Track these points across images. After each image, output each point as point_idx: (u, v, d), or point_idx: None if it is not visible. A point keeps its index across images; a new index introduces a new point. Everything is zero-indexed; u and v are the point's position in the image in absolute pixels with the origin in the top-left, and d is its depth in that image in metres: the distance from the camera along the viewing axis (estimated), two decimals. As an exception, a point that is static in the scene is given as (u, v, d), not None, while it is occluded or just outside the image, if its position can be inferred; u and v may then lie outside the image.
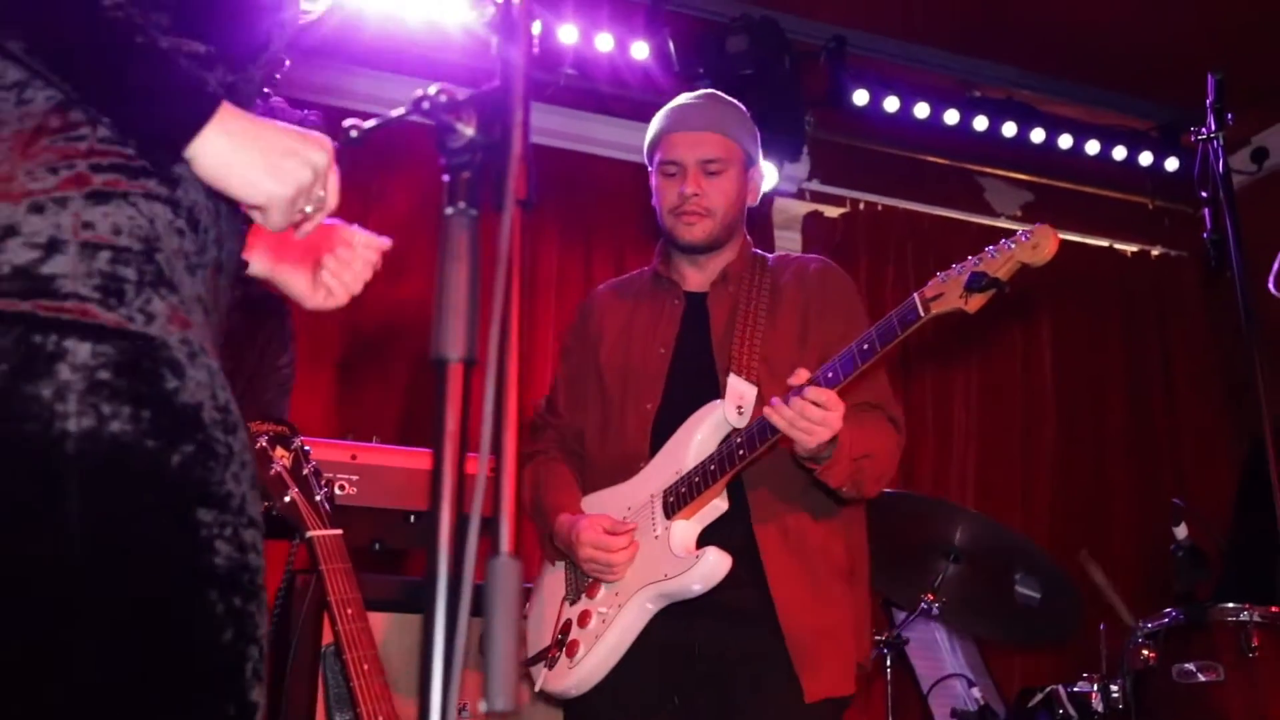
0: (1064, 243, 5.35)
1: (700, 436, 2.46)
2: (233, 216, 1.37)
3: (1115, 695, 2.99)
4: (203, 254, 1.28)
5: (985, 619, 3.76)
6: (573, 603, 2.52)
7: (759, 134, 2.77)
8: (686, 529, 2.42)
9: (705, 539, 2.42)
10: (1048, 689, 3.09)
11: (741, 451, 2.36)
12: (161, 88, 1.20)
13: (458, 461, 1.06)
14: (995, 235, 5.20)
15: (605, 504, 2.56)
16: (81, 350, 1.12)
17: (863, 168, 4.99)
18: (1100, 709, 2.98)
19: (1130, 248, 5.51)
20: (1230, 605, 2.94)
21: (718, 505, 2.44)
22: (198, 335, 1.23)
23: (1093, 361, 5.26)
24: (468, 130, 1.13)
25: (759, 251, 2.73)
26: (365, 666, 1.92)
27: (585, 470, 2.66)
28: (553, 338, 4.38)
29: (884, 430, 2.50)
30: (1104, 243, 5.45)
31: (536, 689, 2.52)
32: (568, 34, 4.11)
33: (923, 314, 2.19)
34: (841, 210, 5.04)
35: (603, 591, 2.48)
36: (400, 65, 4.21)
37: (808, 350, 2.51)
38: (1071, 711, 3.01)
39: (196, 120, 1.21)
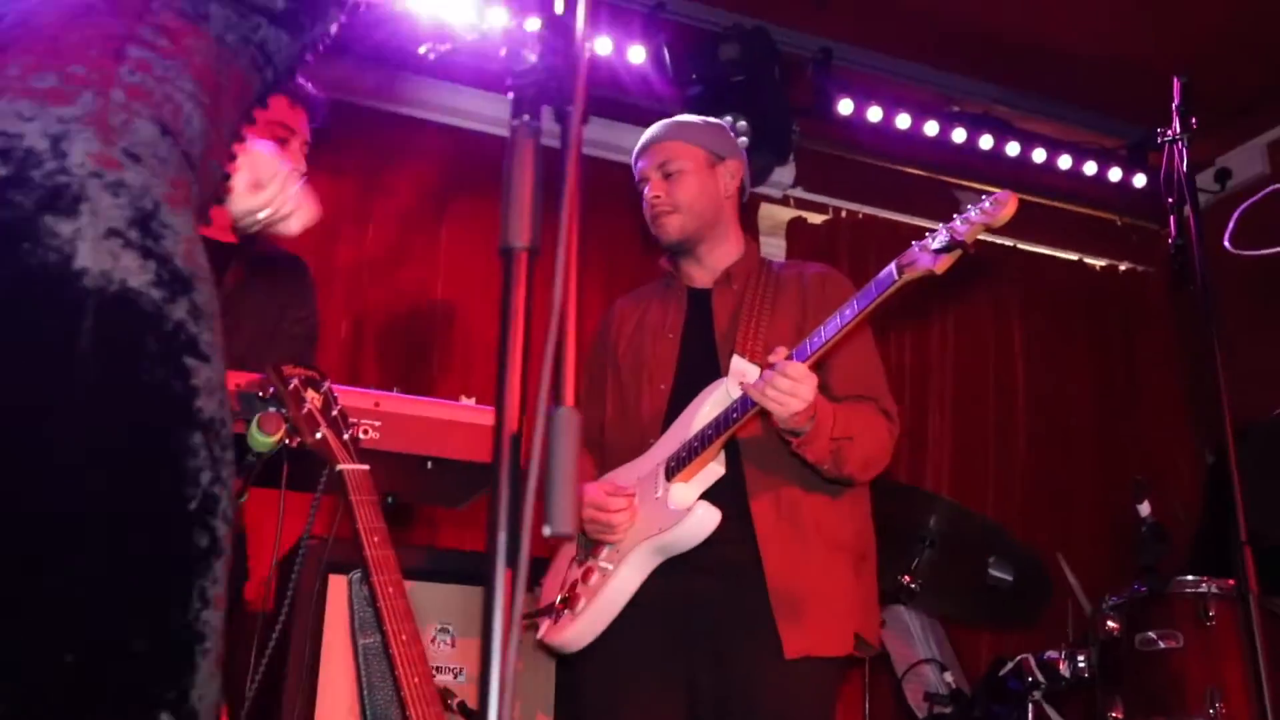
0: (1034, 255, 5.57)
1: (705, 410, 2.62)
2: (229, 137, 1.51)
3: (1082, 664, 3.16)
4: (198, 154, 1.39)
5: (958, 600, 3.93)
6: (580, 563, 2.67)
7: (729, 134, 3.01)
8: (685, 490, 2.57)
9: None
10: (1018, 658, 3.25)
11: (735, 415, 2.52)
12: None
13: (523, 339, 1.21)
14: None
15: (619, 480, 2.72)
16: (102, 198, 1.21)
17: (846, 176, 5.17)
18: (1067, 675, 3.14)
19: (1099, 262, 5.72)
20: (1190, 578, 3.12)
21: (715, 469, 2.59)
22: (193, 219, 1.34)
23: (1061, 370, 5.45)
24: (531, 57, 1.29)
25: (768, 258, 2.95)
26: (390, 590, 2.05)
27: (604, 455, 2.83)
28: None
29: (873, 420, 2.67)
30: (1073, 256, 5.66)
31: (539, 636, 2.67)
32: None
33: (897, 276, 2.35)
34: (824, 217, 5.22)
35: (605, 550, 2.63)
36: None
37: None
38: (1040, 678, 3.17)
39: None
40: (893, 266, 2.39)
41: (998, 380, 5.33)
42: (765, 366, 2.47)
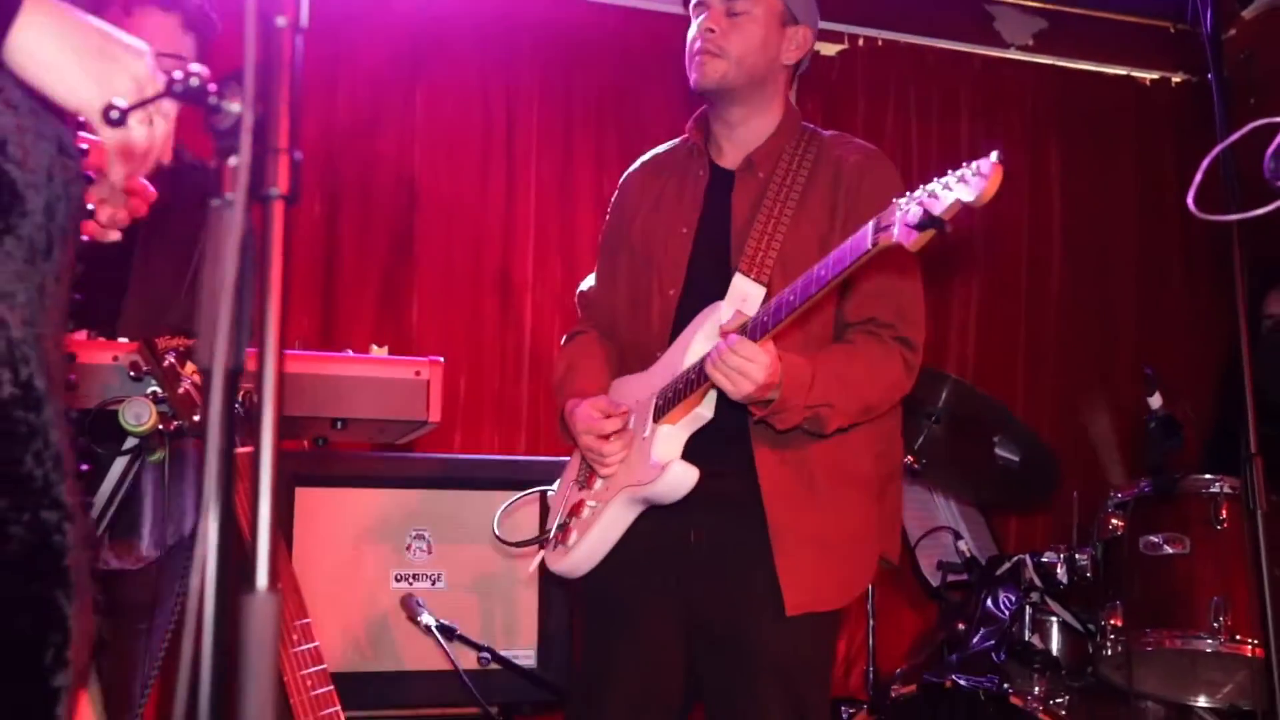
0: (1077, 72, 5.11)
1: (699, 338, 2.34)
2: (64, 168, 1.29)
3: (1083, 565, 2.97)
4: (6, 216, 1.20)
5: (966, 481, 3.77)
6: (581, 487, 2.51)
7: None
8: (669, 435, 2.34)
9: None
10: (1015, 558, 3.08)
11: None
12: None
13: (228, 463, 1.03)
14: (1003, 68, 4.97)
15: (623, 391, 2.51)
16: None
17: None
18: (1064, 580, 2.97)
19: (1150, 75, 5.23)
20: (1204, 476, 2.89)
21: (701, 414, 2.34)
22: None
23: (1104, 197, 5.06)
24: (234, 107, 1.04)
25: (810, 126, 2.55)
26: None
27: (620, 351, 2.60)
28: (592, 208, 4.29)
29: (876, 362, 2.36)
30: (1121, 71, 5.18)
31: (535, 564, 2.56)
32: None
33: (870, 246, 2.01)
34: (839, 47, 4.78)
35: (597, 485, 2.46)
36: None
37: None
38: (1037, 581, 3.00)
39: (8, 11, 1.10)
40: (869, 229, 2.03)
41: (1032, 223, 4.97)
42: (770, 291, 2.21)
